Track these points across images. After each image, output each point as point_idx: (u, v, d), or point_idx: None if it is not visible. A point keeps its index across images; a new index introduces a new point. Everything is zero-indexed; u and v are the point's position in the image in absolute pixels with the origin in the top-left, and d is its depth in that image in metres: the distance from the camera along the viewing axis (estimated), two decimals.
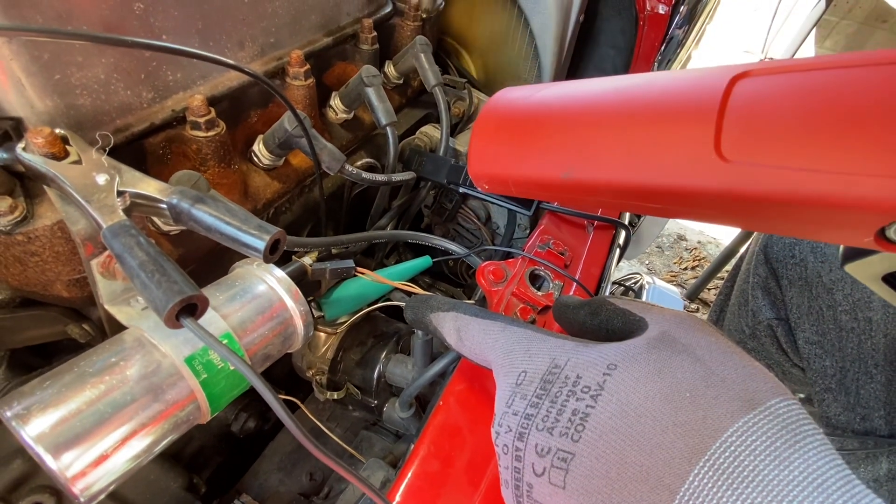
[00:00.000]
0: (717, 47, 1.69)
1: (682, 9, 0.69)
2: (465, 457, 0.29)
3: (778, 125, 0.19)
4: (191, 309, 0.21)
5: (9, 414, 0.22)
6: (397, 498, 0.27)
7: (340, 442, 0.46)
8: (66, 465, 0.22)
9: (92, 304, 0.34)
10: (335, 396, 0.43)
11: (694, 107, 0.21)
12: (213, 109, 0.33)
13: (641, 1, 0.65)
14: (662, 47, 0.73)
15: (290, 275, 0.33)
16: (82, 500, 0.23)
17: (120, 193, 0.24)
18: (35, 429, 0.21)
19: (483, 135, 0.31)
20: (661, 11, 0.63)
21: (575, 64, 0.76)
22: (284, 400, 0.46)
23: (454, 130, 0.68)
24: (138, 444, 0.24)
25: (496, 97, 0.32)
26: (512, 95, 0.31)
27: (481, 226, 0.62)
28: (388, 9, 0.53)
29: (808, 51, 1.59)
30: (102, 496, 0.24)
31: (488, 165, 0.31)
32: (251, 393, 0.47)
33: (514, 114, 0.30)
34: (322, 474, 0.49)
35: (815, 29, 1.53)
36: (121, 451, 0.24)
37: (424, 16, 0.56)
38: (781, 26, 1.46)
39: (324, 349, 0.45)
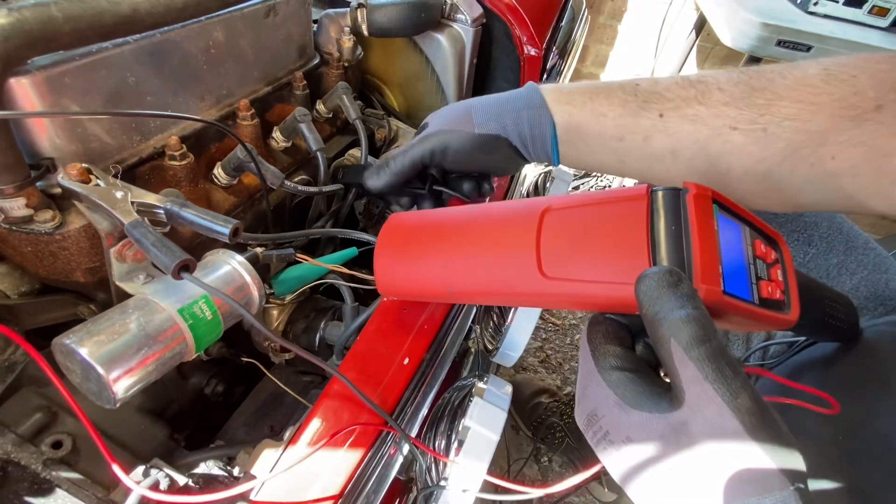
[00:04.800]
0: (616, 69, 1.95)
1: (554, 49, 0.89)
2: (372, 369, 0.43)
3: (571, 250, 0.28)
4: (186, 268, 0.34)
5: (67, 341, 0.34)
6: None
7: (296, 396, 0.59)
8: (108, 372, 0.34)
9: (98, 289, 0.46)
10: (287, 357, 0.57)
11: (520, 238, 0.30)
12: (184, 145, 0.47)
13: (520, 47, 0.84)
14: (545, 77, 0.92)
15: (247, 259, 0.47)
16: (118, 398, 0.35)
17: (130, 203, 0.38)
18: (87, 349, 0.34)
19: (383, 260, 0.40)
20: (532, 53, 0.82)
21: (478, 94, 0.94)
22: (248, 363, 0.59)
23: (380, 152, 0.84)
24: (151, 366, 0.37)
25: (387, 226, 0.41)
26: (400, 223, 0.41)
27: None
28: (316, 61, 0.68)
29: (692, 70, 1.88)
30: (126, 398, 0.36)
31: (393, 287, 0.41)
32: (220, 362, 0.60)
33: (404, 243, 0.39)
34: (280, 426, 0.61)
35: (695, 54, 1.82)
36: (140, 368, 0.36)
37: (346, 64, 0.71)
38: (661, 51, 1.73)
39: (276, 324, 0.58)
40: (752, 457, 0.19)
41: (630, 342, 0.27)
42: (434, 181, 0.50)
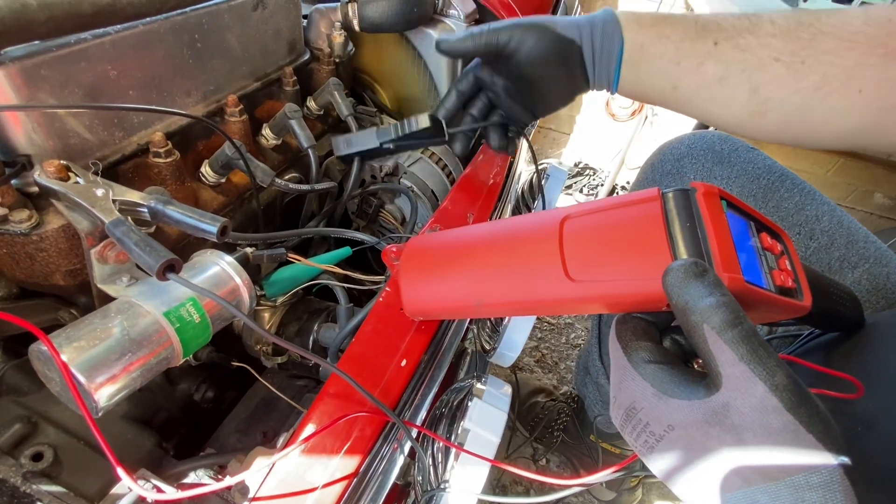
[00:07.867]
0: None
1: None
2: (368, 372, 0.42)
3: (594, 253, 0.29)
4: (171, 268, 0.33)
5: (45, 347, 0.32)
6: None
7: (290, 401, 0.57)
8: (90, 380, 0.32)
9: (79, 293, 0.44)
10: (279, 360, 0.55)
11: (543, 247, 0.31)
12: (169, 142, 0.45)
13: None
14: None
15: (237, 260, 0.45)
16: (100, 407, 0.33)
17: (112, 201, 0.36)
18: (68, 355, 0.32)
19: (408, 283, 0.41)
20: None
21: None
22: (238, 368, 0.57)
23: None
24: (136, 372, 0.35)
25: (407, 250, 0.42)
26: (420, 246, 0.41)
27: (399, 225, 0.76)
28: (307, 56, 0.66)
29: None
30: (109, 406, 0.34)
31: (420, 308, 0.41)
32: (209, 367, 0.58)
33: (427, 264, 0.40)
34: (273, 432, 0.59)
35: None
36: (124, 375, 0.34)
37: (337, 60, 0.70)
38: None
39: (268, 327, 0.56)
40: (796, 434, 0.20)
41: (658, 338, 0.28)
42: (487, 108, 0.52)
